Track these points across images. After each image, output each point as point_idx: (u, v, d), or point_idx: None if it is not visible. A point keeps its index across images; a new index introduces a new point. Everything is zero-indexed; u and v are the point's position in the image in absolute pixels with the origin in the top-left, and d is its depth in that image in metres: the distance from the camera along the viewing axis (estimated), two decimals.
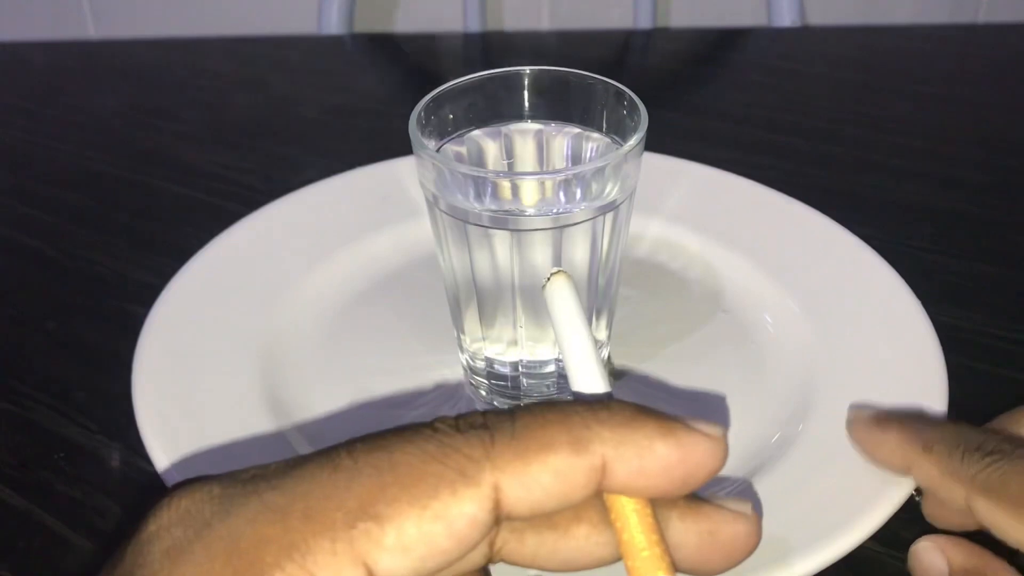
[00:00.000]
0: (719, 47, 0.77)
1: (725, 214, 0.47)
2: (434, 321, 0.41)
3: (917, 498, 0.33)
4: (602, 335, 0.38)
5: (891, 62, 0.72)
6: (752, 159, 0.57)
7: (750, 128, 0.62)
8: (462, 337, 0.39)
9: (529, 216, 0.34)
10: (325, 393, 0.39)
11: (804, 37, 0.82)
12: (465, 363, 0.39)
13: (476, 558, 0.22)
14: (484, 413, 0.22)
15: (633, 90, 0.36)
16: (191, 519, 0.20)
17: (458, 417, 0.21)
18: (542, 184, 0.34)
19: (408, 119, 0.34)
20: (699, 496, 0.23)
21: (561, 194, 0.34)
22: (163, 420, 0.36)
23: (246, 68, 0.73)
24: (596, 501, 0.22)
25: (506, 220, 0.33)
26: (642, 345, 0.41)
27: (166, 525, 0.20)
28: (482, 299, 0.36)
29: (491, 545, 0.22)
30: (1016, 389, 0.40)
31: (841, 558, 0.30)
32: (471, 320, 0.37)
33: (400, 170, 0.49)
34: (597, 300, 0.37)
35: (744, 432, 0.37)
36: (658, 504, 0.22)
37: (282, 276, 0.44)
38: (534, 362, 0.38)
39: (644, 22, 0.81)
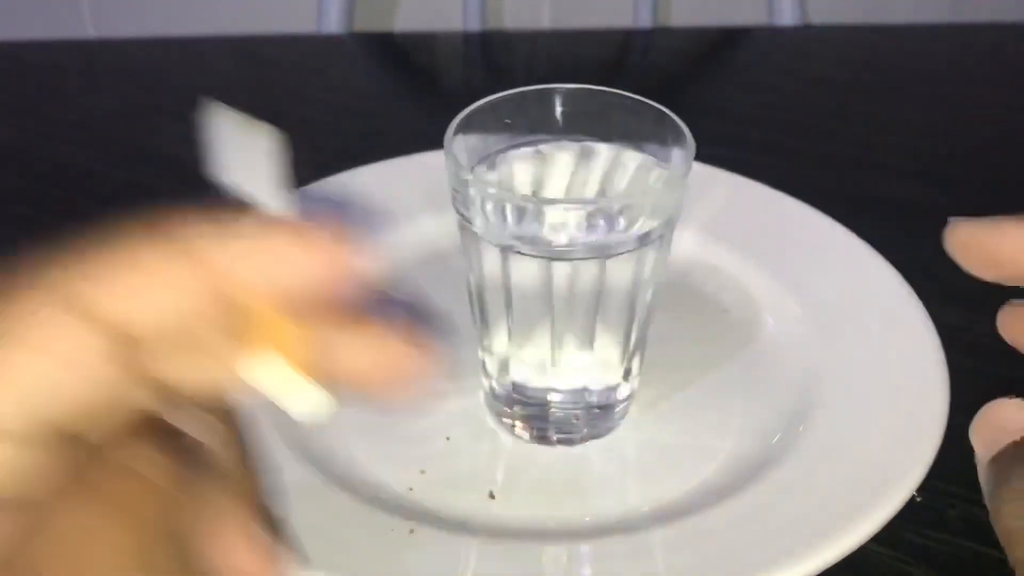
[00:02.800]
0: (720, 46, 0.77)
1: (725, 214, 0.47)
2: (435, 321, 0.41)
3: (918, 498, 0.33)
4: (635, 366, 0.37)
5: (891, 61, 0.72)
6: (752, 159, 0.56)
7: (750, 127, 0.62)
8: (487, 358, 0.37)
9: (568, 246, 0.32)
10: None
11: (805, 36, 0.81)
12: (488, 388, 0.38)
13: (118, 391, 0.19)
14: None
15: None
16: None
17: None
18: (582, 212, 0.33)
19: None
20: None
21: (602, 221, 0.33)
22: None
23: (246, 68, 0.72)
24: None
25: (543, 246, 0.32)
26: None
27: None
28: (514, 325, 0.35)
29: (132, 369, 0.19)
30: (1016, 390, 0.40)
31: (841, 558, 0.30)
32: (499, 343, 0.36)
33: (402, 170, 0.49)
34: (637, 330, 0.36)
35: (745, 432, 0.37)
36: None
37: None
38: (564, 391, 0.36)
39: (644, 21, 0.81)
